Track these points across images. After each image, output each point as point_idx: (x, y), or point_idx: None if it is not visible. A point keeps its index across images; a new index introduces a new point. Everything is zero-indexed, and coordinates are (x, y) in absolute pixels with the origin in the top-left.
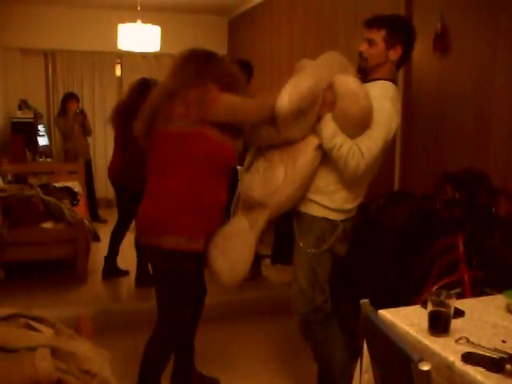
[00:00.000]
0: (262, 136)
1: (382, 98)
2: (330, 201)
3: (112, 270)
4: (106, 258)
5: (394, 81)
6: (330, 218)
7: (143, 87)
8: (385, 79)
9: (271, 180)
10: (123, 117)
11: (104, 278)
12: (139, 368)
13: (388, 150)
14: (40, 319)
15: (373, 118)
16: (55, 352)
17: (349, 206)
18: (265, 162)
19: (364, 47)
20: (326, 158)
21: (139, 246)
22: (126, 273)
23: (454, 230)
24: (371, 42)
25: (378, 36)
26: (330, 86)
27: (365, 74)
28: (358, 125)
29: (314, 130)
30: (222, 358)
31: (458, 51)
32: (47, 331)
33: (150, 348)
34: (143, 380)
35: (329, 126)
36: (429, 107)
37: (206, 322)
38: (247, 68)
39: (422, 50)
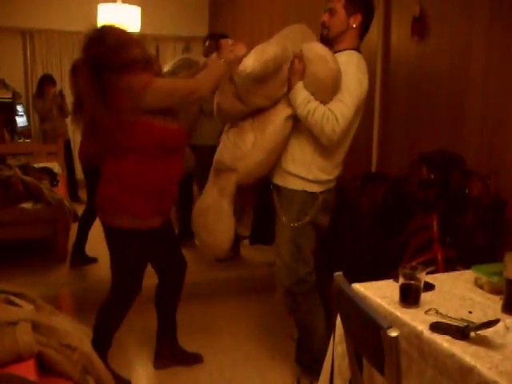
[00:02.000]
0: (225, 108)
1: (349, 64)
2: (307, 171)
3: (79, 258)
4: (74, 244)
5: (357, 49)
6: (309, 190)
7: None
8: (349, 49)
9: (239, 145)
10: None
11: (71, 267)
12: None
13: (361, 116)
14: (21, 295)
15: (341, 82)
16: (36, 326)
17: (326, 176)
18: (236, 128)
19: (326, 17)
20: (301, 128)
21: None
22: (93, 260)
23: (429, 211)
24: (332, 11)
25: (338, 4)
26: (299, 55)
27: (328, 43)
28: (329, 89)
29: (284, 100)
30: (204, 335)
31: (436, 35)
32: (28, 306)
33: (102, 310)
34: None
35: (301, 93)
36: (406, 90)
37: (188, 300)
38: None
39: (400, 33)
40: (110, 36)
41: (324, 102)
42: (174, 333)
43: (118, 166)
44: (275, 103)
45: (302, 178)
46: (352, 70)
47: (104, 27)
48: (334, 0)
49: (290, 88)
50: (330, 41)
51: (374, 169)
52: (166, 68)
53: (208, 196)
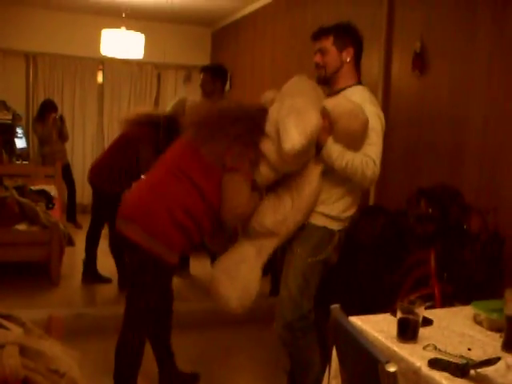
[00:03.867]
0: (260, 181)
1: (364, 103)
2: (331, 209)
3: (92, 275)
4: (84, 262)
5: (360, 83)
6: (329, 227)
7: (171, 126)
8: (353, 85)
9: (279, 209)
10: (143, 140)
11: (84, 283)
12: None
13: None
14: (9, 317)
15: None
16: (24, 350)
17: (346, 214)
18: (274, 192)
19: (318, 58)
20: (326, 174)
21: (116, 250)
22: (108, 280)
23: (427, 245)
24: (323, 51)
25: (327, 43)
26: (323, 113)
27: (326, 83)
28: (360, 139)
29: (313, 158)
30: (196, 365)
31: (436, 70)
32: (16, 329)
33: (119, 352)
34: None
35: (334, 149)
36: (406, 124)
37: (181, 329)
38: (222, 73)
39: (401, 68)
40: None
41: (355, 150)
42: (172, 361)
43: (182, 186)
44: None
45: (326, 215)
46: (370, 109)
47: None
48: (323, 40)
49: (318, 146)
50: (327, 80)
51: (371, 202)
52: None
53: (243, 250)
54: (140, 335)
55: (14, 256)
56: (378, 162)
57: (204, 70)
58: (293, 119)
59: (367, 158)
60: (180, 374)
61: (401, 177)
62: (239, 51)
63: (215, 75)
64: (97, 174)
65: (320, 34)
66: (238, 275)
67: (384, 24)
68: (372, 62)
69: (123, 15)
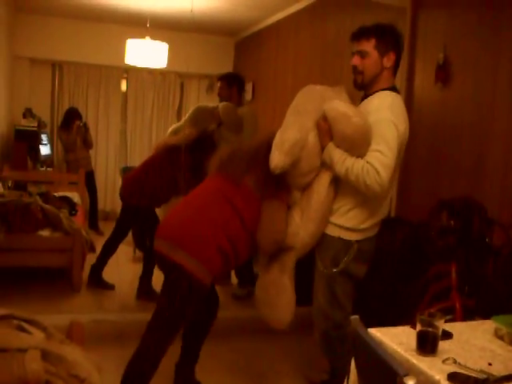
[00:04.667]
0: None
1: (380, 108)
2: (345, 220)
3: (97, 280)
4: (92, 266)
5: (393, 88)
6: (345, 237)
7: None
8: (383, 89)
9: (289, 222)
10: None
11: (88, 286)
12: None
13: (401, 160)
14: (32, 322)
15: (374, 131)
16: (45, 355)
17: (364, 225)
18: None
19: (357, 60)
20: (337, 182)
21: (148, 260)
22: (111, 287)
23: (448, 258)
24: (363, 54)
25: (369, 46)
26: (323, 117)
27: (363, 89)
28: (360, 143)
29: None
30: (214, 373)
31: (459, 82)
32: (39, 334)
33: (134, 358)
34: None
35: (335, 152)
36: (428, 136)
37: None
38: (238, 81)
39: (424, 79)
40: None
41: (361, 156)
42: (193, 366)
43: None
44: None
45: (340, 226)
46: (384, 115)
47: None
48: (364, 42)
49: (322, 150)
50: (365, 86)
51: (393, 214)
52: (183, 119)
53: (268, 272)
54: (158, 349)
55: (37, 261)
56: (382, 170)
57: (220, 78)
58: (276, 138)
59: (368, 166)
60: (196, 382)
61: (423, 188)
62: (262, 61)
63: (231, 83)
64: (128, 189)
65: (361, 34)
66: (272, 300)
67: (407, 35)
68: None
69: (147, 25)
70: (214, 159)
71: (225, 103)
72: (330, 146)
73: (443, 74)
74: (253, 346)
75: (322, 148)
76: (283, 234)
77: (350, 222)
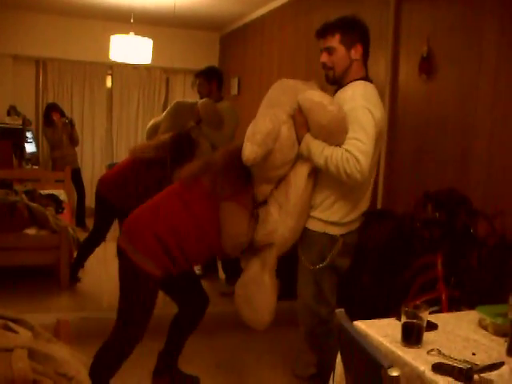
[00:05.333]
0: (262, 199)
1: (354, 97)
2: (329, 214)
3: (72, 276)
4: (72, 265)
5: (365, 78)
6: (330, 232)
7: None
8: (354, 80)
9: (267, 218)
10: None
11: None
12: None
13: (379, 149)
14: (19, 321)
15: (349, 119)
16: (32, 354)
17: (348, 218)
18: (262, 204)
19: (325, 57)
20: (317, 175)
21: None
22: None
23: (434, 249)
24: (330, 50)
25: (335, 41)
26: (298, 109)
27: (335, 83)
28: (337, 132)
29: (299, 159)
30: (202, 369)
31: (443, 74)
32: (25, 333)
33: (101, 350)
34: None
35: (313, 143)
36: (413, 128)
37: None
38: (216, 75)
39: (408, 72)
40: None
41: (339, 145)
42: (176, 358)
43: (181, 210)
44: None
45: (324, 221)
46: (358, 103)
47: None
48: (329, 38)
49: (299, 143)
50: (337, 80)
51: (379, 206)
52: (163, 114)
53: (250, 268)
54: (124, 343)
55: (24, 260)
56: (361, 158)
57: (198, 74)
58: (248, 130)
59: (347, 154)
60: (180, 372)
61: (408, 181)
62: (247, 55)
63: (210, 78)
64: (110, 189)
65: (325, 31)
66: (251, 298)
67: (391, 28)
68: (379, 65)
69: (131, 21)
70: (183, 170)
71: (204, 100)
72: (308, 136)
73: (427, 66)
74: (240, 341)
75: (299, 141)
76: (244, 236)
77: (334, 216)
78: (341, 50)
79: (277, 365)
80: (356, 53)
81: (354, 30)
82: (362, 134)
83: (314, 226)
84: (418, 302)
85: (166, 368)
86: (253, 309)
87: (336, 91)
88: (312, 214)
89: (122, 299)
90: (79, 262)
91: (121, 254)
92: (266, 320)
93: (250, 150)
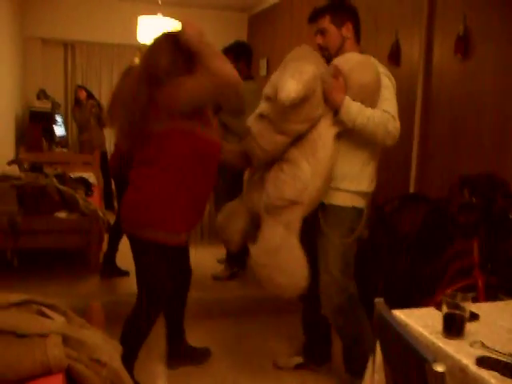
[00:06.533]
0: (271, 149)
1: (371, 61)
2: (357, 184)
3: (110, 270)
4: (105, 255)
5: (362, 53)
6: (358, 206)
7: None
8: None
9: (300, 176)
10: None
11: (101, 278)
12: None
13: None
14: (52, 306)
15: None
16: (66, 340)
17: (371, 187)
18: (285, 161)
19: (319, 39)
20: (344, 142)
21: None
22: (125, 273)
23: (470, 235)
24: (323, 31)
25: (325, 22)
26: (334, 73)
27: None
28: (375, 92)
29: (324, 121)
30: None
31: (480, 54)
32: (59, 319)
33: (127, 324)
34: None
35: (353, 106)
36: (448, 109)
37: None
38: (244, 52)
39: (443, 51)
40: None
41: (373, 106)
42: (182, 335)
43: (153, 176)
44: (314, 126)
45: (353, 192)
46: (379, 68)
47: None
48: (320, 20)
49: (334, 107)
50: (332, 58)
51: (412, 189)
52: None
53: (273, 235)
54: (148, 316)
55: (54, 243)
56: (396, 117)
57: (225, 51)
58: (289, 72)
59: (387, 114)
60: (190, 347)
61: (442, 164)
62: (276, 36)
63: (238, 55)
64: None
65: (316, 15)
66: (285, 264)
67: (425, 6)
68: (413, 45)
69: (159, 2)
70: None
71: None
72: (347, 99)
73: (463, 45)
74: (234, 328)
75: (333, 103)
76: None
77: (362, 185)
78: (332, 29)
79: (270, 350)
80: (348, 31)
81: (342, 10)
82: (390, 96)
83: (342, 200)
84: (453, 289)
85: (177, 347)
86: (288, 275)
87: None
88: (339, 185)
89: (143, 275)
90: (113, 250)
91: (137, 243)
92: (303, 284)
93: (294, 88)
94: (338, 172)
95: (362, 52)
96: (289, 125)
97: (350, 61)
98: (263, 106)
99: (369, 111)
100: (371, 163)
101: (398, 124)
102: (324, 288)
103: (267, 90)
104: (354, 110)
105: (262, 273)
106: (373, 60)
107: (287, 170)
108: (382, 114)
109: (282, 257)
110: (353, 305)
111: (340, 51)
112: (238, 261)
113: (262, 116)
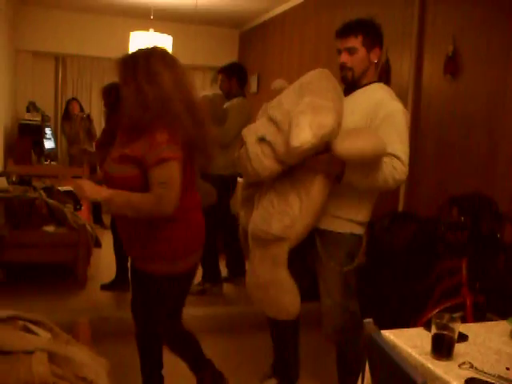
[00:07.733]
0: (266, 175)
1: (390, 99)
2: (356, 213)
3: (125, 280)
4: (119, 270)
5: (379, 82)
6: (357, 232)
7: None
8: (372, 82)
9: (287, 212)
10: None
11: (112, 289)
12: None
13: None
14: (38, 322)
15: (387, 123)
16: (52, 357)
17: (369, 217)
18: (276, 193)
19: (345, 57)
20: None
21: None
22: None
23: (458, 254)
24: (352, 50)
25: (357, 42)
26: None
27: (352, 85)
28: (377, 158)
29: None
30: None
31: (469, 74)
32: (45, 335)
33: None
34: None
35: (354, 176)
36: (437, 129)
37: None
38: (237, 71)
39: (432, 71)
40: None
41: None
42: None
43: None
44: None
45: (351, 221)
46: (395, 104)
47: None
48: (351, 39)
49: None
50: (354, 82)
51: (401, 208)
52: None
53: (261, 270)
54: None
55: (42, 257)
56: (405, 158)
57: (220, 70)
58: (308, 117)
59: (394, 161)
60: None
61: (431, 183)
62: (267, 53)
63: (230, 74)
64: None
65: (348, 31)
66: (275, 300)
67: (415, 26)
68: (403, 64)
69: (151, 17)
70: None
71: (205, 94)
72: (346, 175)
73: (453, 65)
74: (222, 344)
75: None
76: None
77: (360, 215)
78: (362, 51)
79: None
80: (375, 56)
81: (375, 33)
82: (402, 137)
83: (341, 227)
84: (441, 308)
85: (197, 362)
86: (280, 309)
87: (345, 91)
88: (339, 214)
89: (151, 307)
90: (123, 263)
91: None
92: (295, 312)
93: (309, 140)
94: (337, 201)
95: (379, 80)
96: (291, 159)
97: (353, 150)
98: (268, 130)
99: (373, 170)
100: (370, 195)
101: (406, 167)
102: (326, 310)
103: (275, 113)
104: (355, 180)
105: (256, 303)
106: (389, 91)
107: (277, 204)
108: (388, 168)
109: (273, 293)
110: (355, 324)
111: (364, 75)
112: (212, 278)
113: (263, 140)
